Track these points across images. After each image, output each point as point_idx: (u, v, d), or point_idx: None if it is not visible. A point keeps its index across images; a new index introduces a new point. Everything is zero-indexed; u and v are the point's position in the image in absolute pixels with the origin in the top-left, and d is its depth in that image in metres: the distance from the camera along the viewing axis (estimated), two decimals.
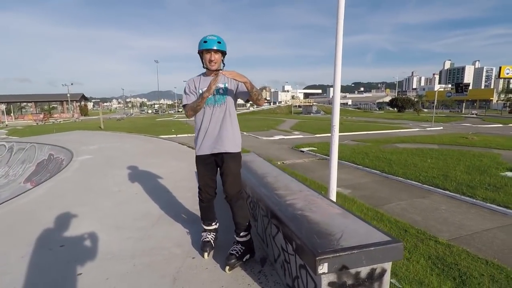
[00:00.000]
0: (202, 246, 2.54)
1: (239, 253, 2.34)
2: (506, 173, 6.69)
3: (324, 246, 1.52)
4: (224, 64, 2.38)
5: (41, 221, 3.34)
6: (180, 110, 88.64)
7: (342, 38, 3.78)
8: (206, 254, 2.49)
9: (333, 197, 3.91)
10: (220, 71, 2.16)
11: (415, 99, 51.62)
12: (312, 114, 50.55)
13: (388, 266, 1.58)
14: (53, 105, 63.41)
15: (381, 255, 1.52)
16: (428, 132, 17.82)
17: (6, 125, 39.81)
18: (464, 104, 57.87)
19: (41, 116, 53.38)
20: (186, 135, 15.70)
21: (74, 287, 2.13)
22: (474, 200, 4.93)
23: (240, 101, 2.49)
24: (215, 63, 2.25)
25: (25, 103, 62.16)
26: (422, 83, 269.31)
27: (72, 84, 61.57)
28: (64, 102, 61.16)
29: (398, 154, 9.30)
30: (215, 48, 2.21)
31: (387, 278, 1.60)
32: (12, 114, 54.74)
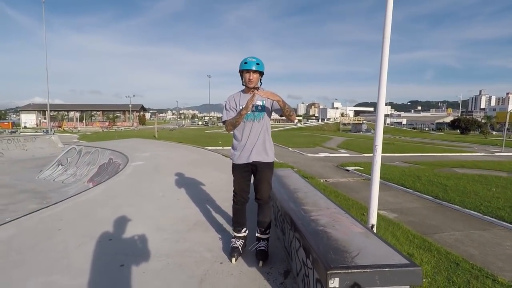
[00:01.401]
0: (230, 252, 2.70)
1: (267, 247, 2.71)
2: None
3: (337, 261, 1.55)
4: (261, 83, 2.63)
5: (95, 217, 3.81)
6: None
7: (388, 55, 3.75)
8: (233, 260, 2.63)
9: (374, 219, 3.77)
10: (256, 91, 2.38)
11: (483, 121, 46.74)
12: (361, 132, 48.71)
13: None
14: (116, 114, 70.57)
15: (396, 277, 1.49)
16: (496, 157, 16.00)
17: (78, 130, 45.25)
18: None
19: (106, 124, 59.68)
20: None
21: (116, 275, 2.42)
22: None
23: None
24: (253, 81, 2.52)
25: (94, 112, 70.16)
26: (493, 103, 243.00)
27: (134, 96, 67.93)
28: (126, 112, 67.62)
29: (456, 179, 8.53)
30: (253, 68, 2.48)
31: None
32: (84, 121, 62.10)
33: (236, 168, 2.68)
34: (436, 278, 3.06)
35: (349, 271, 1.48)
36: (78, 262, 2.63)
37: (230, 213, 3.91)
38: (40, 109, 59.27)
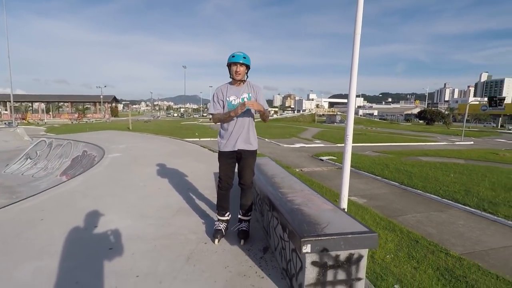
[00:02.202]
0: (214, 233, 2.92)
1: (248, 228, 2.95)
2: None
3: (309, 231, 1.82)
4: (247, 76, 2.85)
5: (78, 207, 3.86)
6: (205, 114, 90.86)
7: (359, 48, 4.07)
8: (216, 241, 2.85)
9: (344, 204, 4.12)
10: (246, 102, 2.61)
11: (446, 112, 49.71)
12: (335, 123, 50.17)
13: (364, 252, 1.85)
14: (86, 106, 67.43)
15: (357, 242, 1.79)
16: (456, 146, 17.28)
17: (45, 122, 42.92)
18: (500, 119, 54.84)
19: (76, 115, 56.97)
20: (209, 139, 16.30)
21: (106, 257, 2.57)
22: (495, 217, 4.87)
23: None
24: (240, 74, 2.73)
25: (62, 103, 66.53)
26: (456, 96, 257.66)
27: (105, 86, 65.28)
28: (97, 103, 64.84)
29: (420, 167, 9.23)
30: (240, 61, 2.69)
31: (363, 263, 1.86)
32: (50, 113, 58.82)
33: (222, 155, 2.89)
34: (398, 254, 3.46)
35: (319, 238, 1.76)
36: (66, 248, 2.73)
37: (212, 199, 4.13)
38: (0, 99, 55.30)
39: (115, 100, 72.48)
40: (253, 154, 2.87)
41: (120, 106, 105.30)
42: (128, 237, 2.97)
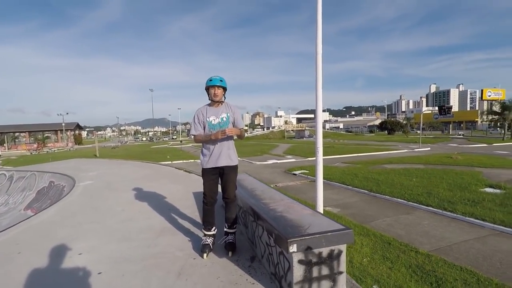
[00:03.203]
0: (202, 248, 3.02)
1: (235, 240, 3.09)
2: (485, 189, 7.22)
3: (294, 233, 2.05)
4: (225, 97, 3.09)
5: (57, 236, 3.77)
6: (175, 137, 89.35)
7: (322, 65, 4.49)
8: (205, 255, 2.96)
9: (321, 211, 4.39)
10: (227, 130, 2.83)
11: (404, 122, 53.32)
12: (304, 138, 51.61)
13: (343, 248, 2.10)
14: (47, 135, 63.46)
15: (336, 239, 2.04)
16: (416, 153, 18.55)
17: (0, 155, 39.74)
18: (451, 125, 59.75)
19: (35, 145, 53.36)
20: (181, 161, 16.15)
21: (97, 281, 2.58)
22: (455, 215, 5.33)
23: None
24: (217, 96, 2.98)
25: (18, 133, 62.13)
26: (411, 106, 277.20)
27: (67, 113, 62.01)
28: (59, 131, 61.36)
29: (386, 174, 9.83)
30: (218, 84, 2.95)
31: (343, 258, 2.11)
32: (5, 144, 54.60)
33: (206, 172, 3.05)
34: (373, 256, 3.75)
35: (303, 238, 1.98)
36: (51, 278, 2.70)
37: (194, 218, 4.23)
38: None
39: (78, 127, 69.05)
40: (234, 169, 3.07)
41: (84, 133, 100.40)
42: (115, 260, 2.99)
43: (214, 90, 2.93)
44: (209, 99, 3.04)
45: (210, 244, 3.05)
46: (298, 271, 2.01)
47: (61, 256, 3.14)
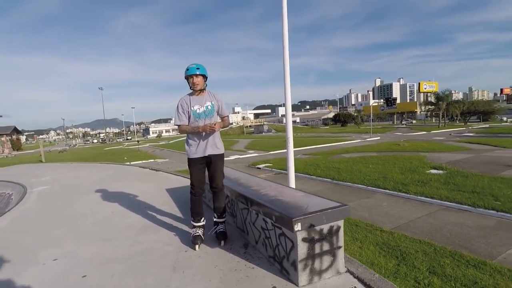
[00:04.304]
0: (193, 240, 2.97)
1: (225, 229, 3.09)
2: (431, 170, 8.06)
3: (297, 213, 2.12)
4: (206, 84, 3.02)
5: (22, 245, 3.41)
6: (130, 137, 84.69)
7: (289, 59, 4.63)
8: (197, 247, 2.92)
9: None
10: (215, 128, 2.81)
11: (355, 114, 56.76)
12: (263, 133, 52.32)
13: (341, 223, 2.23)
14: None
15: (335, 215, 2.16)
16: (368, 142, 19.89)
17: None
18: (395, 116, 65.12)
19: None
20: (140, 161, 15.37)
21: (84, 284, 2.39)
22: (408, 195, 5.81)
23: None
24: (198, 84, 2.90)
25: None
26: (359, 99, 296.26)
27: (1, 116, 55.31)
28: None
29: (345, 163, 10.39)
30: (196, 73, 2.86)
31: (341, 232, 2.25)
32: None
33: (193, 162, 2.97)
34: (344, 238, 3.99)
35: (306, 216, 2.06)
36: (28, 286, 2.45)
37: (174, 213, 4.12)
38: None
39: (15, 131, 61.97)
40: (221, 157, 3.06)
41: (23, 138, 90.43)
42: (99, 261, 2.81)
43: (193, 79, 2.87)
44: (190, 88, 2.97)
45: (201, 235, 3.01)
46: (302, 249, 2.09)
47: (32, 265, 2.85)
